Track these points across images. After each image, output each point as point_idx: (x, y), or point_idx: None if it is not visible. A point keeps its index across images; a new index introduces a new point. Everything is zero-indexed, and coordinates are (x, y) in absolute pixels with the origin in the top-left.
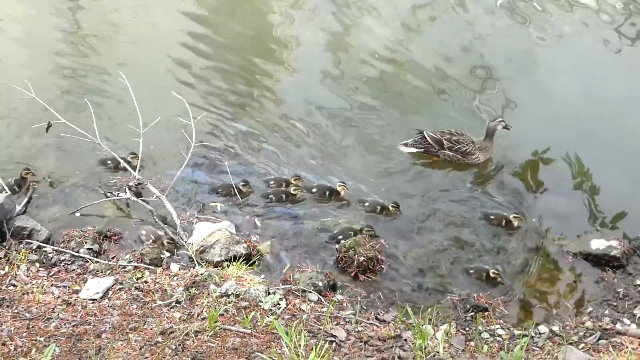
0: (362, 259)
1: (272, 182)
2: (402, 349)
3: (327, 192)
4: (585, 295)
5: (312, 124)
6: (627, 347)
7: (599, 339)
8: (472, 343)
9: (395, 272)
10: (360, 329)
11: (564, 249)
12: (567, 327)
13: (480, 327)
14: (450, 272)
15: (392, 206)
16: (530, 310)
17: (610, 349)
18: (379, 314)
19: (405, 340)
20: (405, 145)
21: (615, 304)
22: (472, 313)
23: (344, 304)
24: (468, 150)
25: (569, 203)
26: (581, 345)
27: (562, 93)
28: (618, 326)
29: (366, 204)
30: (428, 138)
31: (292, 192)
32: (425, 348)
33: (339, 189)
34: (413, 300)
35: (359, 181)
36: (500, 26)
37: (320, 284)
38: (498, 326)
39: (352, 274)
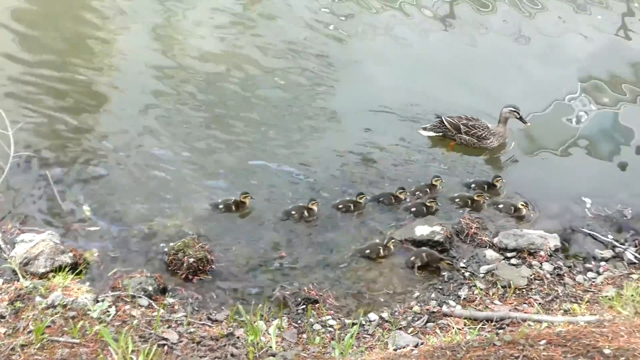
0: (191, 260)
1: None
2: (234, 347)
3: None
4: (412, 280)
5: (140, 128)
6: (452, 328)
7: (427, 322)
8: (304, 335)
9: (227, 271)
10: (192, 330)
11: (390, 237)
12: (396, 313)
13: (311, 319)
14: (281, 267)
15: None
16: (360, 300)
17: (437, 330)
18: (211, 314)
19: (238, 337)
20: (425, 129)
21: (441, 287)
22: (304, 306)
23: (176, 307)
24: (483, 135)
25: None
26: (410, 329)
27: (381, 82)
28: (444, 308)
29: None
30: (446, 123)
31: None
32: (258, 344)
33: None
34: (245, 297)
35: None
36: (327, 21)
37: (151, 288)
38: (329, 317)
39: (183, 276)
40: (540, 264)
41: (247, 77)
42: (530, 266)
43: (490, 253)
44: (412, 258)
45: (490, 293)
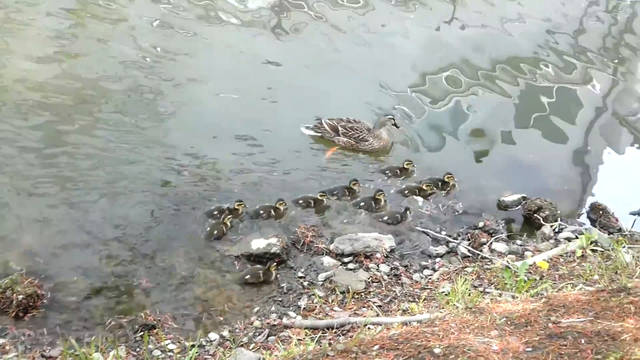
0: (21, 297)
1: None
2: None
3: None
4: (252, 295)
5: None
6: (293, 340)
7: (268, 336)
8: None
9: (60, 304)
10: None
11: (227, 253)
12: (237, 330)
13: (150, 346)
14: (117, 293)
15: None
16: (200, 320)
17: (278, 344)
18: (44, 351)
19: None
20: (307, 128)
21: (280, 299)
22: (142, 332)
23: (7, 347)
24: (362, 136)
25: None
26: (251, 346)
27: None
28: (285, 320)
29: None
30: (325, 125)
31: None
32: None
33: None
34: (80, 329)
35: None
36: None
37: None
38: (169, 341)
39: (13, 314)
40: (377, 266)
41: (81, 95)
42: (367, 269)
43: (327, 260)
44: (247, 277)
45: (330, 300)
